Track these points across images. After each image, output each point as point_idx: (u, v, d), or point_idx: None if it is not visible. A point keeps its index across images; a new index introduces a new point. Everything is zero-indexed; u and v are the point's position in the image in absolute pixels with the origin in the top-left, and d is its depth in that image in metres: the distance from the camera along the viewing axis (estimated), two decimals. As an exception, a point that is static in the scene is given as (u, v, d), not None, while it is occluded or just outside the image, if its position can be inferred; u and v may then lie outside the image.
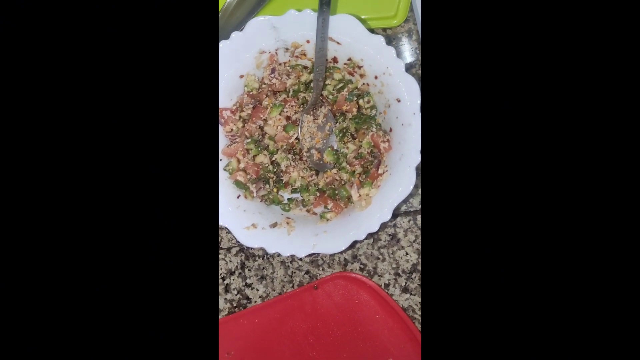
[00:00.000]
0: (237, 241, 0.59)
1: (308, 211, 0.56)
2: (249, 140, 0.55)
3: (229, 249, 0.60)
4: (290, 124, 0.55)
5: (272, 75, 0.54)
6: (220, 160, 0.55)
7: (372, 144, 0.54)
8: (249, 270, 0.60)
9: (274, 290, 0.59)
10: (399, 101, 0.51)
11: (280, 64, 0.55)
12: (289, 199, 0.56)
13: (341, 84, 0.55)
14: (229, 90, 0.54)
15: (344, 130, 0.55)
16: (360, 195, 0.53)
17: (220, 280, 0.60)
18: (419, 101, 0.50)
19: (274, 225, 0.53)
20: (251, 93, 0.55)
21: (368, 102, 0.54)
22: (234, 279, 0.60)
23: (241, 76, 0.54)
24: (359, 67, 0.53)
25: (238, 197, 0.54)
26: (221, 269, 0.60)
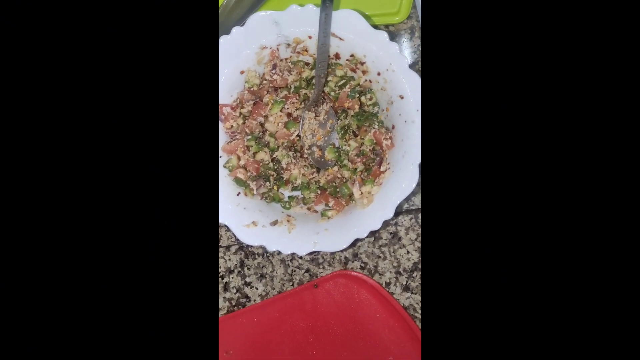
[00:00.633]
0: (237, 239, 0.59)
1: (309, 209, 0.55)
2: (250, 137, 0.54)
3: (228, 247, 0.59)
4: (292, 121, 0.54)
5: (273, 72, 0.54)
6: (220, 157, 0.54)
7: (374, 142, 0.53)
8: (248, 268, 0.59)
9: (274, 289, 0.59)
10: (402, 98, 0.51)
11: (281, 60, 0.54)
12: (289, 197, 0.56)
13: (343, 81, 0.54)
14: (229, 86, 0.54)
15: (346, 127, 0.55)
16: (362, 193, 0.53)
17: (219, 279, 0.59)
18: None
19: (275, 223, 0.53)
20: (252, 89, 0.54)
21: (370, 99, 0.54)
22: (233, 278, 0.59)
23: (242, 72, 0.53)
24: (362, 64, 0.53)
25: (238, 195, 0.54)
26: (220, 267, 0.59)
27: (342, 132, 0.55)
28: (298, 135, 0.55)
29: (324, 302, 0.57)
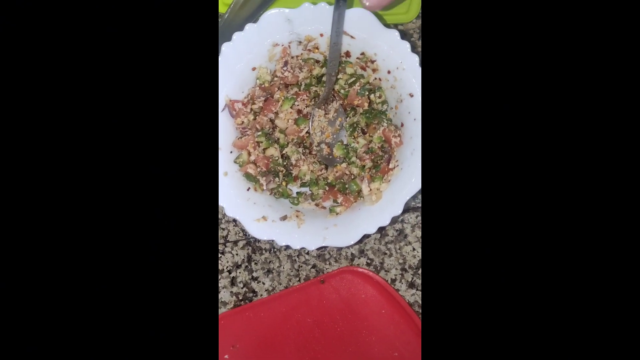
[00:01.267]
0: (244, 234, 0.59)
1: (317, 205, 0.56)
2: (260, 133, 0.55)
3: (235, 242, 0.60)
4: (302, 118, 0.55)
5: (285, 68, 0.54)
6: (231, 152, 0.55)
7: (383, 139, 0.54)
8: (255, 263, 0.59)
9: (280, 284, 0.59)
10: (411, 96, 0.51)
11: (292, 57, 0.55)
12: (297, 193, 0.56)
13: (353, 79, 0.55)
14: (241, 82, 0.54)
15: (355, 124, 0.55)
16: (370, 189, 0.53)
17: (226, 273, 0.59)
18: None
19: (284, 218, 0.53)
20: (263, 86, 0.55)
21: (380, 97, 0.55)
22: (240, 272, 0.59)
23: (253, 68, 0.54)
24: (372, 62, 0.53)
25: (248, 190, 0.54)
26: (227, 261, 0.59)
27: (351, 129, 0.55)
28: (307, 132, 0.55)
29: (330, 298, 0.58)
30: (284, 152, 0.55)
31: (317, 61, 0.55)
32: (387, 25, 0.52)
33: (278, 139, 0.56)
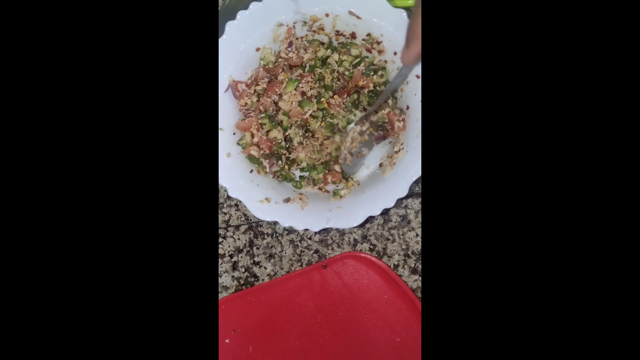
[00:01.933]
0: (246, 219, 0.59)
1: (320, 189, 0.55)
2: (263, 114, 0.54)
3: (237, 227, 0.59)
4: (306, 100, 0.54)
5: (289, 49, 0.54)
6: (234, 134, 0.54)
7: (386, 120, 0.53)
8: (257, 248, 0.59)
9: (282, 269, 0.59)
10: (418, 77, 0.51)
11: (297, 38, 0.54)
12: (300, 177, 0.56)
13: (357, 59, 0.54)
14: (245, 62, 0.54)
15: (356, 102, 0.54)
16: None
17: (228, 258, 0.59)
18: None
19: (287, 200, 0.53)
20: (267, 67, 0.54)
21: (381, 76, 0.54)
22: (242, 257, 0.59)
23: (257, 49, 0.53)
24: (378, 43, 0.53)
25: (251, 172, 0.53)
26: (229, 246, 0.59)
27: (354, 107, 0.55)
28: (312, 116, 0.55)
29: (332, 283, 0.57)
30: (287, 134, 0.55)
31: (322, 43, 0.55)
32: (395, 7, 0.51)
33: (281, 121, 0.55)
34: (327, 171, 0.55)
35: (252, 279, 0.59)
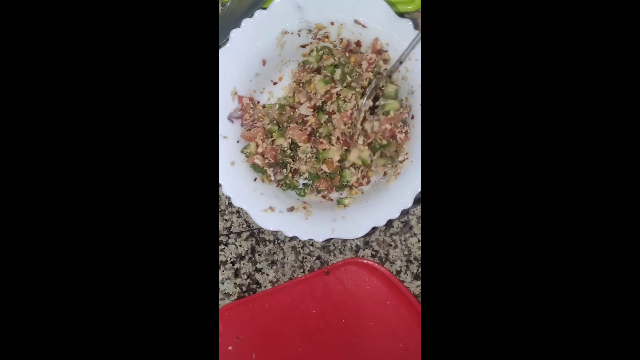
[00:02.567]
0: (248, 225, 0.59)
1: (324, 197, 0.55)
2: (269, 123, 0.54)
3: (239, 234, 0.59)
4: (320, 112, 0.54)
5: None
6: (238, 141, 0.54)
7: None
8: (259, 255, 0.59)
9: (285, 276, 0.59)
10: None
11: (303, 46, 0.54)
12: (304, 185, 0.56)
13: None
14: (249, 71, 0.53)
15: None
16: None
17: (230, 265, 0.59)
18: None
19: (291, 209, 0.52)
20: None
21: (382, 87, 0.54)
22: (244, 264, 0.59)
23: (264, 62, 0.53)
24: (383, 52, 0.53)
25: (255, 180, 0.53)
26: (231, 253, 0.59)
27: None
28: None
29: (335, 289, 0.58)
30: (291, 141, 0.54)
31: (329, 49, 0.54)
32: (402, 15, 0.51)
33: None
34: (328, 179, 0.55)
35: (255, 286, 0.59)
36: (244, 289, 0.59)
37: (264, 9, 0.51)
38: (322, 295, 0.58)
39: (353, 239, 0.59)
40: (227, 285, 0.58)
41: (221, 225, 0.59)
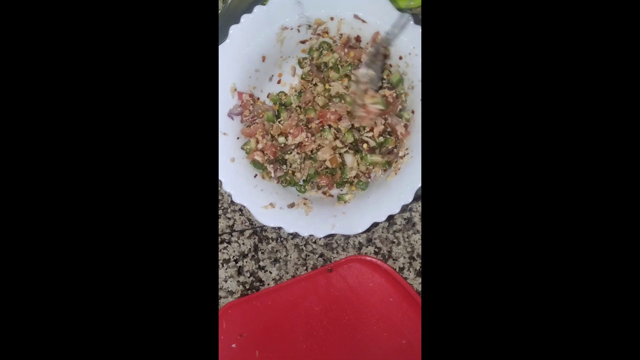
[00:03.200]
0: (251, 223, 0.58)
1: (324, 193, 0.55)
2: (264, 116, 0.54)
3: (242, 232, 0.59)
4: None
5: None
6: (238, 138, 0.54)
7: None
8: (262, 252, 0.59)
9: (288, 273, 0.58)
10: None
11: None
12: (304, 181, 0.56)
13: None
14: (249, 67, 0.53)
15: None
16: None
17: (233, 263, 0.59)
18: None
19: (292, 205, 0.52)
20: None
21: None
22: (246, 262, 0.59)
23: (263, 58, 0.53)
24: (383, 47, 0.52)
25: (255, 177, 0.53)
26: (234, 251, 0.59)
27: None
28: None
29: (338, 286, 0.57)
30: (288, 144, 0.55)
31: (329, 45, 0.54)
32: (402, 10, 0.51)
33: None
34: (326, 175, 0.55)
35: (258, 284, 0.59)
36: (247, 287, 0.59)
37: (264, 5, 0.51)
38: (325, 293, 0.57)
39: (355, 235, 0.58)
40: (230, 283, 0.58)
41: (224, 223, 0.59)
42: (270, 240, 0.59)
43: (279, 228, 0.52)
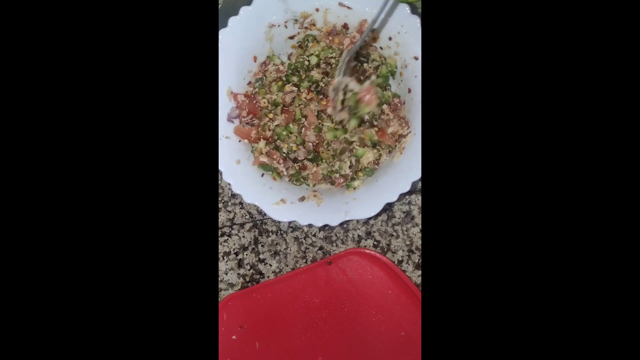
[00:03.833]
0: (251, 217, 0.59)
1: (332, 183, 0.55)
2: (261, 114, 0.54)
3: (242, 225, 0.60)
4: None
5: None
6: (240, 141, 0.54)
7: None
8: (262, 245, 0.60)
9: (287, 266, 0.59)
10: (416, 59, 0.49)
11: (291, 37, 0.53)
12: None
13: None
14: (241, 68, 0.53)
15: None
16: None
17: (233, 256, 0.60)
18: None
19: (302, 199, 0.52)
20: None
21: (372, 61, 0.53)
22: (247, 255, 0.60)
23: (255, 58, 0.53)
24: (371, 31, 0.51)
25: (262, 176, 0.54)
26: (234, 244, 0.60)
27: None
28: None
29: (337, 279, 0.58)
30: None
31: (315, 38, 0.53)
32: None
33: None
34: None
35: (258, 276, 0.60)
36: (248, 279, 0.60)
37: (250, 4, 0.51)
38: (325, 285, 0.58)
39: (354, 228, 0.58)
40: (230, 275, 0.60)
41: (224, 216, 0.60)
42: (270, 233, 0.60)
43: (279, 220, 0.52)
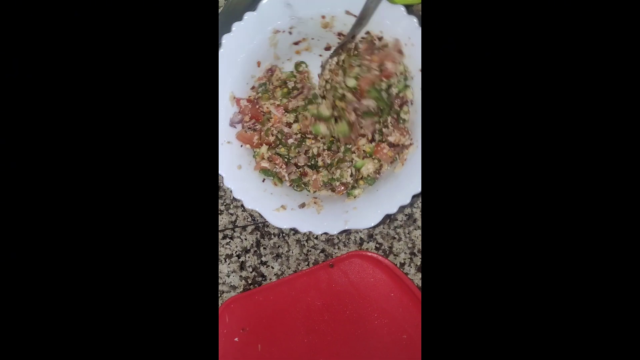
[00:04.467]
0: (253, 219, 0.59)
1: (332, 190, 0.55)
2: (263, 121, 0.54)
3: (244, 227, 0.60)
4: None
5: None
6: (241, 146, 0.54)
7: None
8: (264, 248, 0.60)
9: (289, 268, 0.59)
10: (421, 71, 0.50)
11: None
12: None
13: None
14: (244, 74, 0.53)
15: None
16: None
17: (235, 258, 0.60)
18: None
19: (302, 205, 0.53)
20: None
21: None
22: (249, 257, 0.60)
23: (259, 63, 0.53)
24: (378, 39, 0.51)
25: (263, 181, 0.54)
26: (237, 246, 0.60)
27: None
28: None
29: (339, 282, 0.58)
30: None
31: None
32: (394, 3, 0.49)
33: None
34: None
35: (260, 279, 0.60)
36: (250, 282, 0.60)
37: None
38: (327, 288, 0.58)
39: (356, 231, 0.59)
40: (232, 278, 0.60)
41: (226, 219, 0.60)
42: (272, 236, 0.60)
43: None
